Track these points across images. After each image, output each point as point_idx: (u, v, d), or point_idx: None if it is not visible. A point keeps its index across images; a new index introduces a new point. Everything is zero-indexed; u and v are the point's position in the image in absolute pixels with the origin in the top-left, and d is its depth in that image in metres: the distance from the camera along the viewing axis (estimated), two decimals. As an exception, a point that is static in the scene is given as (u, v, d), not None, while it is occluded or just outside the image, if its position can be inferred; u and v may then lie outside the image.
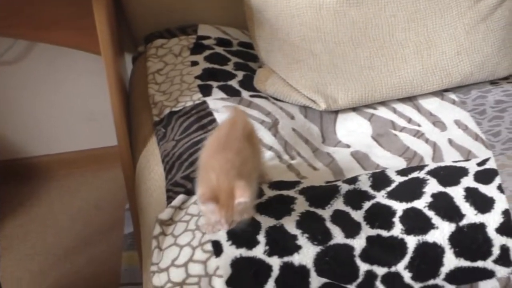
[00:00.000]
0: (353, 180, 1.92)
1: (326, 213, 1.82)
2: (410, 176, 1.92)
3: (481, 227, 1.81)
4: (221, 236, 1.77)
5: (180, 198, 1.87)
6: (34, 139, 2.98)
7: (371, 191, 1.88)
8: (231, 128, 1.76)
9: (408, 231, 1.80)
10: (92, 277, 2.47)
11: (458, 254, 1.80)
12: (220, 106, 2.16)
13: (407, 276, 1.80)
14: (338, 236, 1.79)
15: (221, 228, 1.67)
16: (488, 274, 1.82)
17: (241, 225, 1.70)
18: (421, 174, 1.91)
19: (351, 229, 1.81)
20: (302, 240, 1.78)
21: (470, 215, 1.82)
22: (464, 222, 1.81)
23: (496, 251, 1.80)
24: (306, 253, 1.78)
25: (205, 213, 1.68)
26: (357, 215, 1.83)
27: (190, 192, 1.87)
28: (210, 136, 1.79)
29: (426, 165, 1.96)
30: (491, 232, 1.81)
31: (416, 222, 1.81)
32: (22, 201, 2.86)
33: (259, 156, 1.86)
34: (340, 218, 1.82)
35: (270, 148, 2.02)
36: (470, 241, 1.80)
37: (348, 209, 1.84)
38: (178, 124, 2.15)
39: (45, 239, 2.67)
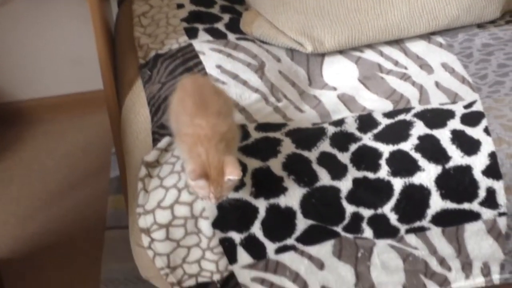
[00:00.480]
0: (340, 122, 1.89)
1: (312, 155, 1.80)
2: (396, 119, 1.89)
3: (468, 169, 1.79)
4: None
5: (166, 140, 1.84)
6: (20, 83, 2.93)
7: (358, 133, 1.85)
8: (197, 88, 1.73)
9: (394, 173, 1.78)
10: (78, 221, 2.45)
11: (444, 196, 1.78)
12: (206, 49, 2.11)
13: (393, 218, 1.78)
14: (324, 178, 1.77)
15: (210, 202, 1.65)
16: (474, 216, 1.81)
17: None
18: (408, 117, 1.88)
19: (338, 171, 1.79)
20: (289, 182, 1.76)
21: (457, 157, 1.80)
22: (450, 164, 1.79)
23: (482, 194, 1.79)
24: (293, 195, 1.76)
25: (193, 188, 1.65)
26: (344, 157, 1.80)
27: (176, 134, 1.84)
28: (177, 95, 1.75)
29: (413, 108, 1.93)
30: (477, 174, 1.79)
31: (403, 164, 1.80)
32: (7, 145, 2.82)
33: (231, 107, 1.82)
34: (326, 160, 1.80)
35: (256, 91, 1.98)
36: (456, 183, 1.79)
37: (334, 151, 1.81)
38: (164, 66, 2.11)
39: (31, 183, 2.64)
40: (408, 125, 1.86)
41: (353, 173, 1.78)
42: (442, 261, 1.86)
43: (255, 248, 1.79)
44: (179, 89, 1.77)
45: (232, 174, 1.58)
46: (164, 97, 1.97)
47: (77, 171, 2.67)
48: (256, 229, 1.76)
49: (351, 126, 1.87)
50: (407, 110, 1.92)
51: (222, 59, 2.07)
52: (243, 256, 1.79)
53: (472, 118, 1.86)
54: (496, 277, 1.90)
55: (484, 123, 1.85)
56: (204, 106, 1.66)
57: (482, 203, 1.79)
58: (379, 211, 1.79)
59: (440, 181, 1.78)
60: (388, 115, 1.91)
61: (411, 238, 1.82)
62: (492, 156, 1.80)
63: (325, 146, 1.82)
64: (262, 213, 1.75)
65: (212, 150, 1.60)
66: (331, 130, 1.86)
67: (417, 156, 1.80)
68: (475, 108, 1.90)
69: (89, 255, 2.30)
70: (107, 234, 2.36)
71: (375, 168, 1.79)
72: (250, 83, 2.00)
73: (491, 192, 1.79)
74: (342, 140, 1.84)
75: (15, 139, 2.85)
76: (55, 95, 2.96)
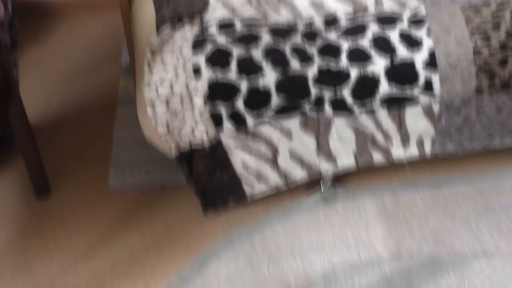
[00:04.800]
0: (310, 22, 1.85)
1: (286, 47, 1.77)
2: (356, 20, 1.85)
3: (411, 63, 1.77)
4: (201, 62, 1.73)
5: (167, 30, 1.79)
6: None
7: (324, 31, 1.82)
8: None
9: (352, 64, 1.76)
10: (95, 98, 2.43)
11: (391, 84, 1.78)
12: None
13: (349, 100, 1.78)
14: (295, 66, 1.75)
15: None
16: (414, 100, 1.80)
17: None
18: (365, 19, 1.85)
19: (306, 61, 1.77)
20: (267, 68, 1.74)
21: (403, 53, 1.78)
22: (397, 58, 1.77)
23: (421, 83, 1.78)
24: (269, 79, 1.74)
25: None
26: (312, 50, 1.78)
27: (176, 26, 1.79)
28: None
29: (370, 12, 1.88)
30: (419, 67, 1.78)
31: (359, 57, 1.78)
32: (38, 35, 2.76)
33: None
34: (297, 52, 1.77)
35: (242, -6, 1.93)
36: (401, 74, 1.78)
37: (304, 45, 1.78)
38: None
39: (56, 66, 2.60)
40: (365, 25, 1.83)
41: (318, 63, 1.76)
42: (386, 136, 1.87)
43: (238, 121, 1.78)
44: None
45: None
46: (167, -4, 1.92)
47: (94, 58, 2.62)
48: (240, 106, 1.76)
49: (318, 25, 1.84)
50: (364, 13, 1.88)
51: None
52: (229, 127, 1.79)
53: (417, 22, 1.83)
54: (428, 150, 1.92)
55: (426, 26, 1.82)
56: None
57: (421, 91, 1.79)
58: (338, 94, 1.77)
59: (389, 71, 1.77)
60: (349, 16, 1.87)
61: (363, 117, 1.82)
62: (431, 53, 1.78)
63: (297, 40, 1.79)
64: (244, 93, 1.74)
65: None
66: (302, 28, 1.82)
67: (371, 51, 1.78)
68: (419, 14, 1.86)
69: (103, 124, 2.28)
70: (118, 108, 2.34)
71: (337, 59, 1.77)
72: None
73: (429, 82, 1.78)
74: (311, 36, 1.81)
75: (44, 31, 2.78)
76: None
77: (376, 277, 1.69)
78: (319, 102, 1.78)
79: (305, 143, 1.86)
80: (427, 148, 1.91)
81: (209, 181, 1.90)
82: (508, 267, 1.70)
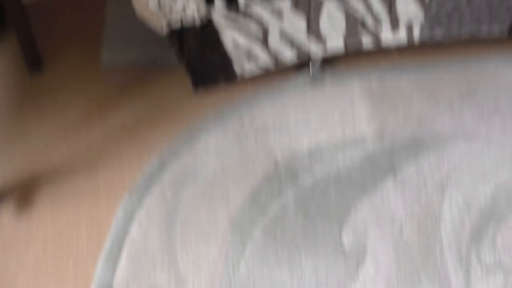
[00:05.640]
0: None
1: None
2: None
3: None
4: None
5: None
6: None
7: None
8: None
9: None
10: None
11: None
12: None
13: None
14: None
15: None
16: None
17: None
18: None
19: None
20: None
21: None
22: None
23: None
24: None
25: None
26: None
27: None
28: None
29: None
30: (412, -50, 1.75)
31: None
32: None
33: None
34: None
35: None
36: None
37: None
38: None
39: None
40: None
41: None
42: (376, 19, 1.86)
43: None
44: None
45: None
46: None
47: None
48: (232, -16, 1.74)
49: None
50: None
51: None
52: (220, 6, 1.77)
53: None
54: (416, 35, 1.91)
55: None
56: None
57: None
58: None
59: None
60: None
61: (354, 0, 1.81)
62: None
63: None
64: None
65: None
66: None
67: None
68: None
69: (96, 2, 2.25)
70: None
71: None
72: None
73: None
74: None
75: None
76: None
77: (360, 155, 1.74)
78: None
79: (296, 24, 1.85)
80: (416, 33, 1.91)
81: (200, 60, 1.90)
82: (486, 149, 1.74)
